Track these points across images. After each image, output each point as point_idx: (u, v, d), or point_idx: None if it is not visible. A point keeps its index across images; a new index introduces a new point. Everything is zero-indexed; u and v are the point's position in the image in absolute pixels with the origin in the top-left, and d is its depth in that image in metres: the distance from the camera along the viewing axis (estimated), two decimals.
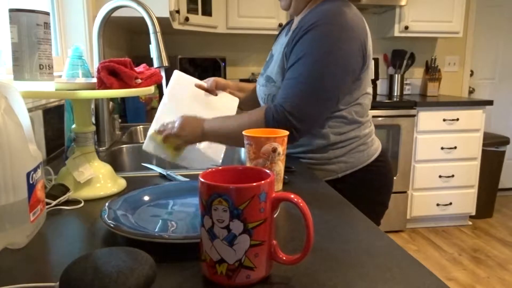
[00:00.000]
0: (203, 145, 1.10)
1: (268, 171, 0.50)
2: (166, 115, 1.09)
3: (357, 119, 1.10)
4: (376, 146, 1.16)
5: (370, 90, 1.12)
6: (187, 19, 2.42)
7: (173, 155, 1.04)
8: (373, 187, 1.14)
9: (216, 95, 1.30)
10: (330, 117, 1.07)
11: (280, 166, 0.81)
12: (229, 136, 1.01)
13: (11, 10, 0.67)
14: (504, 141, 3.26)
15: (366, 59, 1.04)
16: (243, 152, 1.36)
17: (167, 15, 1.94)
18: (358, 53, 1.01)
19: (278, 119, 0.97)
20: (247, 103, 1.39)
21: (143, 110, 1.89)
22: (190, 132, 1.02)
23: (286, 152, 1.12)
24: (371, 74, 1.11)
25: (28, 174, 0.53)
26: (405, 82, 3.39)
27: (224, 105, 1.27)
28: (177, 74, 1.25)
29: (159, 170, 0.97)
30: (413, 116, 2.87)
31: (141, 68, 0.84)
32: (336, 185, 1.07)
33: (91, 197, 0.78)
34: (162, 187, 0.76)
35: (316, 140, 1.08)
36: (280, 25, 2.86)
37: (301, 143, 1.10)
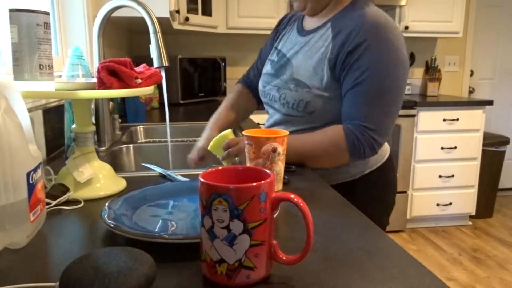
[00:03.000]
0: None
1: (268, 171, 0.50)
2: None
3: None
4: (386, 146, 1.17)
5: None
6: (187, 19, 2.42)
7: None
8: (385, 186, 1.15)
9: None
10: None
11: (280, 166, 0.81)
12: (302, 155, 1.00)
13: (11, 10, 0.67)
14: (504, 141, 3.26)
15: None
16: None
17: (167, 15, 1.94)
18: (408, 57, 1.02)
19: (363, 140, 0.96)
20: (243, 116, 1.34)
21: (143, 110, 1.89)
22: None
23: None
24: None
25: (28, 174, 0.53)
26: None
27: None
28: None
29: (159, 170, 0.97)
30: (413, 116, 2.87)
31: (141, 68, 0.84)
32: (352, 186, 1.08)
33: (91, 197, 0.78)
34: (162, 187, 0.76)
35: None
36: None
37: None
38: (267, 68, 1.19)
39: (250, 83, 1.35)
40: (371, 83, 0.96)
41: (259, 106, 1.35)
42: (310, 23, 1.12)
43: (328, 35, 1.03)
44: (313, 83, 1.02)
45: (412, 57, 3.32)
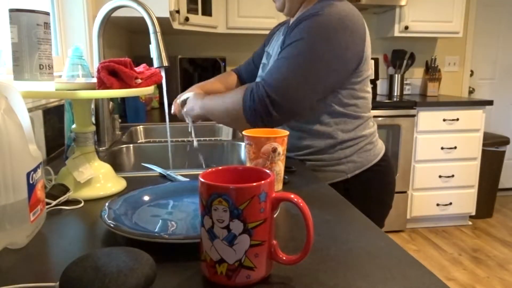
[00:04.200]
0: None
1: (268, 171, 0.50)
2: None
3: (360, 114, 1.10)
4: (380, 145, 1.17)
5: (369, 88, 1.12)
6: (187, 19, 2.42)
7: None
8: (380, 187, 1.14)
9: None
10: (332, 113, 1.07)
11: (280, 166, 0.81)
12: (215, 113, 1.06)
13: (11, 10, 0.67)
14: (504, 141, 3.26)
15: (364, 54, 1.04)
16: (243, 152, 1.36)
17: (167, 15, 1.94)
18: (355, 46, 1.00)
19: (255, 94, 0.96)
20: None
21: (143, 110, 1.89)
22: (190, 108, 1.13)
23: (292, 155, 1.12)
24: (371, 73, 1.11)
25: (28, 174, 0.53)
26: (405, 82, 3.39)
27: None
28: None
29: (159, 170, 0.97)
30: (413, 116, 2.87)
31: (141, 68, 0.84)
32: (346, 186, 1.07)
33: (91, 197, 0.78)
34: (162, 187, 0.76)
35: (324, 140, 1.08)
36: None
37: (308, 144, 1.10)
38: (260, 71, 1.24)
39: (239, 73, 1.44)
40: (290, 50, 0.97)
41: None
42: (291, 23, 1.16)
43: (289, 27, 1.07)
44: None
45: (412, 57, 3.32)
